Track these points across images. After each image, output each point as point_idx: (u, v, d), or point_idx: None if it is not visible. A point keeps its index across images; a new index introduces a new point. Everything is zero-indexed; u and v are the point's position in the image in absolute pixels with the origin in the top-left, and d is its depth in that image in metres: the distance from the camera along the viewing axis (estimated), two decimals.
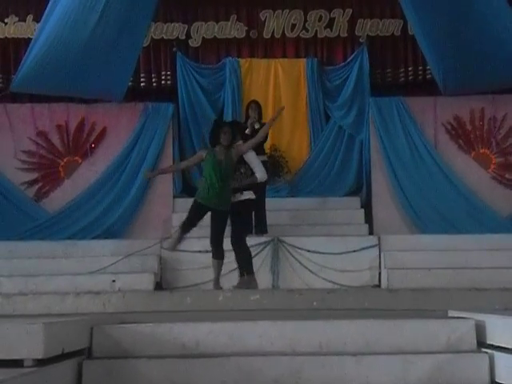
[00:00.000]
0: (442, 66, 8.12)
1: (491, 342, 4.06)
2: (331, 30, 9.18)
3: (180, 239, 6.42)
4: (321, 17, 9.19)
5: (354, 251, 7.43)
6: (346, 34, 9.17)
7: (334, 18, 9.18)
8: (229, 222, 6.43)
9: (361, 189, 8.98)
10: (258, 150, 7.78)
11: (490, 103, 8.75)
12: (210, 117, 8.73)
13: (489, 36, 7.46)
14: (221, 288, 6.30)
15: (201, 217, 6.38)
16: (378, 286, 7.24)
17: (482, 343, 4.13)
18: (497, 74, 8.03)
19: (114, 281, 6.74)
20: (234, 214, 6.40)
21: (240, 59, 9.22)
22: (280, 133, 9.06)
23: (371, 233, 8.19)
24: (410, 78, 9.07)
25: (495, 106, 8.73)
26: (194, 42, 9.27)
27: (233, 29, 9.21)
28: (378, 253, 7.46)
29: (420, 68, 8.95)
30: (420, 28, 7.81)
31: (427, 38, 7.81)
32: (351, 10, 9.15)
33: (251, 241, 6.97)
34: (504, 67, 7.81)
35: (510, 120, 8.69)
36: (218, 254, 6.35)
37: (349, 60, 9.13)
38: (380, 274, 7.30)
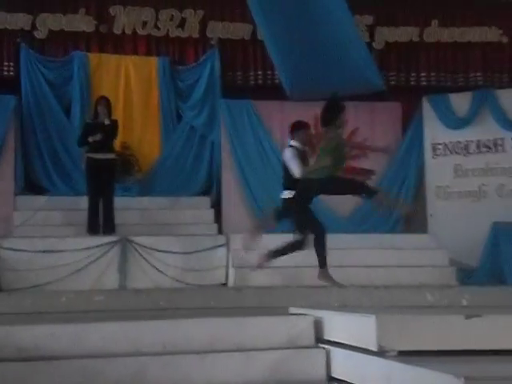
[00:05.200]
0: (288, 72, 8.38)
1: (329, 338, 4.25)
2: (183, 30, 9.21)
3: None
4: (172, 16, 9.19)
5: (203, 250, 7.49)
6: (197, 35, 9.23)
7: (186, 19, 9.21)
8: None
9: (211, 189, 9.08)
10: (107, 148, 7.65)
11: None
12: (56, 110, 8.48)
13: (334, 44, 7.78)
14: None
15: None
16: (226, 284, 7.35)
17: (320, 339, 4.31)
18: (341, 82, 8.39)
19: None
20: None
21: (89, 54, 9.01)
22: (131, 131, 8.96)
23: (220, 232, 8.31)
24: (260, 81, 9.29)
25: None
26: (40, 34, 8.93)
27: (82, 22, 8.97)
28: (226, 252, 7.58)
29: (269, 72, 9.18)
30: (268, 34, 8.02)
31: (275, 44, 8.03)
32: (203, 12, 9.22)
33: (98, 240, 6.84)
34: (348, 75, 8.18)
35: (350, 125, 9.08)
36: None
37: (200, 61, 9.20)
38: (228, 272, 7.42)
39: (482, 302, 5.38)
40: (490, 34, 9.38)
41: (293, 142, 6.69)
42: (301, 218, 6.21)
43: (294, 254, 6.28)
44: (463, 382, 2.70)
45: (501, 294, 5.74)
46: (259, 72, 9.28)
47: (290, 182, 6.47)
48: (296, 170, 6.42)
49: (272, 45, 8.06)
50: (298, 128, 6.75)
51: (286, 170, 6.61)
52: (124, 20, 9.07)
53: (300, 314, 4.49)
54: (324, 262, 6.14)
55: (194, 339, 4.04)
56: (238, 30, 9.23)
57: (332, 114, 6.10)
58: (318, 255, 6.14)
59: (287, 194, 6.50)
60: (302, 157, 6.57)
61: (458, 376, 2.75)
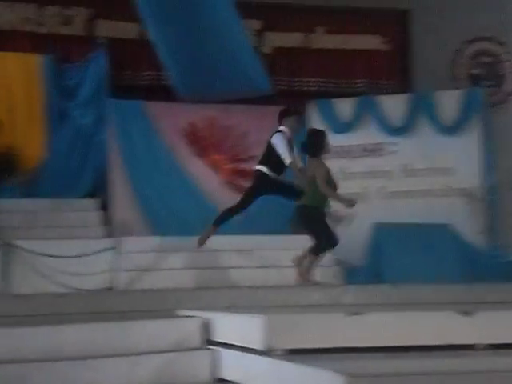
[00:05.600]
0: (178, 73, 8.36)
1: (218, 339, 4.28)
2: (69, 28, 8.98)
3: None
4: (57, 13, 8.94)
5: (90, 254, 7.33)
6: (84, 33, 9.03)
7: (72, 16, 8.99)
8: None
9: (99, 190, 8.90)
10: None
11: (223, 112, 9.22)
12: None
13: (223, 47, 7.83)
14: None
15: None
16: (113, 288, 7.23)
17: (208, 341, 4.33)
18: (230, 84, 8.47)
19: None
20: None
21: None
22: (14, 131, 8.63)
23: (109, 235, 8.17)
24: (149, 82, 9.20)
25: (228, 115, 9.23)
26: None
27: None
28: (114, 255, 7.45)
29: (159, 73, 9.11)
30: (157, 35, 7.96)
31: (164, 45, 7.98)
32: (90, 10, 9.03)
33: None
34: (237, 78, 8.27)
35: (240, 129, 9.23)
36: None
37: (87, 60, 8.98)
38: (116, 276, 7.30)
39: (364, 300, 5.58)
40: (372, 41, 9.75)
41: (282, 127, 6.72)
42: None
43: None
44: (345, 379, 2.81)
45: (381, 292, 5.98)
46: (149, 72, 9.18)
47: (272, 162, 6.63)
48: (286, 156, 6.52)
49: (161, 45, 8.01)
50: (288, 114, 6.80)
51: (270, 150, 6.66)
52: (6, 16, 8.73)
53: (188, 317, 4.49)
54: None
55: (78, 345, 3.96)
56: (127, 30, 9.11)
57: (316, 143, 6.39)
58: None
59: (264, 169, 6.68)
60: (290, 144, 6.65)
61: (341, 373, 2.85)
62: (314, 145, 6.41)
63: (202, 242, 6.87)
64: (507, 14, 9.87)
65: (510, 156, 9.12)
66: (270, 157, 6.67)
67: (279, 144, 6.59)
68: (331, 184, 6.35)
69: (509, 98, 9.91)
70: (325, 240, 6.32)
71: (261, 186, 6.74)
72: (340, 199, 6.35)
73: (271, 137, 6.73)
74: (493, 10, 9.80)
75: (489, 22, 9.86)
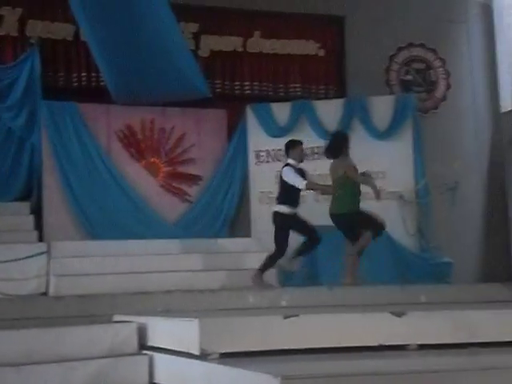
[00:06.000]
0: (113, 74, 8.26)
1: (153, 344, 4.24)
2: (0, 28, 8.73)
3: None
4: None
5: (22, 259, 7.17)
6: (16, 34, 8.80)
7: (3, 16, 8.75)
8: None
9: (31, 194, 8.69)
10: None
11: (160, 115, 9.15)
12: None
13: (160, 49, 7.78)
14: None
15: None
16: (46, 293, 7.08)
17: (144, 345, 4.29)
18: (167, 87, 8.42)
19: None
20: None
21: None
22: None
23: (41, 240, 7.99)
24: (84, 83, 9.02)
25: (165, 118, 9.16)
26: None
27: None
28: (46, 260, 7.31)
29: (94, 75, 8.96)
30: (92, 36, 7.85)
31: (99, 46, 7.87)
32: (21, 10, 8.81)
33: None
34: (174, 80, 8.23)
35: (177, 132, 9.18)
36: None
37: (19, 60, 8.73)
38: (48, 281, 7.15)
39: (300, 302, 5.64)
40: (308, 46, 9.86)
41: (289, 161, 7.11)
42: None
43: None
44: (280, 381, 2.82)
45: (317, 294, 6.05)
46: (83, 74, 9.00)
47: (287, 196, 6.99)
48: (298, 182, 6.90)
49: (96, 46, 7.89)
50: (292, 147, 7.18)
51: (283, 186, 7.03)
52: None
53: (124, 322, 4.44)
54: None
55: (10, 351, 3.86)
56: (60, 30, 8.91)
57: (340, 144, 6.96)
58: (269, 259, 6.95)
59: (283, 208, 7.00)
60: (300, 173, 7.06)
61: (276, 375, 2.86)
62: (337, 147, 6.95)
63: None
64: (439, 21, 10.15)
65: (440, 160, 9.37)
66: (285, 192, 7.02)
67: (289, 175, 6.98)
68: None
69: (440, 104, 10.19)
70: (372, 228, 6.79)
71: (283, 226, 7.00)
72: (375, 186, 6.86)
73: (281, 174, 7.11)
74: (426, 17, 10.06)
75: (421, 28, 10.12)
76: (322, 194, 7.35)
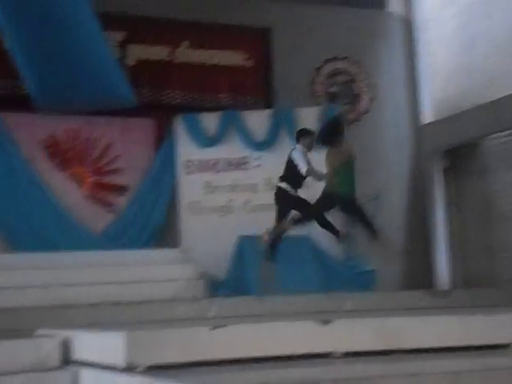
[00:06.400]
0: (36, 83, 8.06)
1: (78, 358, 4.16)
2: None
3: None
4: None
5: None
6: None
7: None
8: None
9: None
10: None
11: (87, 124, 9.02)
12: None
13: (83, 58, 7.64)
14: None
15: None
16: None
17: (68, 360, 4.20)
18: (91, 96, 8.28)
19: None
20: None
21: None
22: None
23: None
24: (5, 91, 8.79)
25: (91, 127, 9.04)
26: None
27: None
28: None
29: (16, 82, 8.74)
30: (13, 42, 7.65)
31: (21, 54, 7.67)
32: None
33: None
34: (98, 89, 8.10)
35: (104, 141, 9.07)
36: None
37: None
38: None
39: (228, 312, 5.63)
40: (235, 57, 9.92)
41: (298, 146, 7.38)
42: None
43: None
44: None
45: (245, 304, 6.06)
46: (5, 81, 8.77)
47: (290, 176, 7.31)
48: (302, 166, 7.17)
49: (17, 53, 7.69)
50: (303, 136, 7.44)
51: (288, 165, 7.32)
52: None
53: (47, 336, 4.33)
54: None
55: None
56: None
57: (335, 133, 7.16)
58: None
59: (285, 185, 7.33)
60: (306, 159, 7.31)
61: None
62: (333, 134, 7.17)
63: None
64: (363, 35, 10.39)
65: (362, 171, 9.56)
66: (289, 172, 7.30)
67: (298, 157, 7.25)
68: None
69: (363, 116, 10.42)
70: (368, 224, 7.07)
71: (283, 202, 7.32)
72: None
73: (290, 153, 7.35)
74: (350, 31, 10.29)
75: (346, 41, 10.34)
76: (319, 180, 7.43)
